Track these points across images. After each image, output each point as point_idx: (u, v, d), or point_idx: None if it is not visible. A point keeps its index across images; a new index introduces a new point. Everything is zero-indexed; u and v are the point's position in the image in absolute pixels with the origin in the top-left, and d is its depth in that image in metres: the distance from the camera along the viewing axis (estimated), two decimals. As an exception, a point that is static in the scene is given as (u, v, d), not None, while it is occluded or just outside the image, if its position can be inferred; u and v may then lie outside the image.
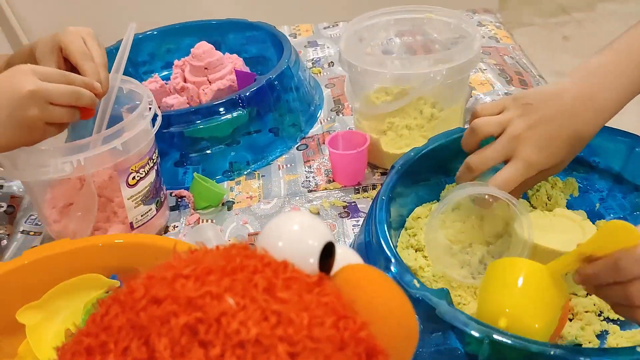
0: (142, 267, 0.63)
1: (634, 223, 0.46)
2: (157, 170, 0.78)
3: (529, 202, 0.76)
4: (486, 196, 0.69)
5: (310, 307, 0.28)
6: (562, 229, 0.65)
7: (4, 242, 0.97)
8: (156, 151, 0.78)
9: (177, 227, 0.83)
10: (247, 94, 0.91)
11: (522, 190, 0.66)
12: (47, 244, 0.66)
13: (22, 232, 0.90)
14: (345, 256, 0.35)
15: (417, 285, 0.54)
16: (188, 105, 1.04)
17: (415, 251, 0.70)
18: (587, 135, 0.60)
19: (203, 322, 0.25)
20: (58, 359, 0.28)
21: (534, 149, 0.59)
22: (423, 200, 0.77)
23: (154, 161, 0.77)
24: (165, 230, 0.83)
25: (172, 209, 0.86)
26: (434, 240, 0.67)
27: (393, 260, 0.58)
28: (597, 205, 0.73)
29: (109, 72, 0.73)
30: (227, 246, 0.32)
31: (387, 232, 0.62)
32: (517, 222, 0.65)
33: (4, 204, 1.02)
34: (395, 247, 0.72)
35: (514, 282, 0.53)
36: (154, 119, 0.76)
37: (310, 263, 0.31)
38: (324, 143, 0.96)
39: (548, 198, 0.75)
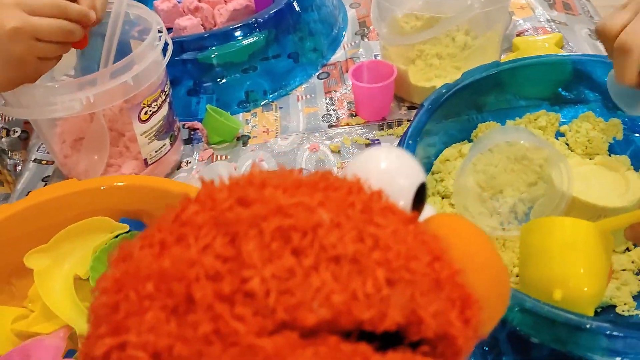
0: (151, 210, 0.60)
1: None
2: (169, 103, 0.74)
3: (567, 145, 0.70)
4: (522, 141, 0.64)
5: (407, 240, 0.25)
6: (604, 181, 0.60)
7: (19, 167, 0.95)
8: (168, 82, 0.73)
9: (190, 162, 0.79)
10: (265, 18, 0.85)
11: None
12: (53, 184, 0.63)
13: (35, 160, 0.88)
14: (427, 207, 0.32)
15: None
16: (202, 27, 0.98)
17: (442, 198, 0.65)
18: None
19: (297, 230, 0.22)
20: (118, 253, 0.24)
21: None
22: (452, 139, 0.72)
23: (166, 93, 0.72)
24: (178, 166, 0.79)
25: (185, 142, 0.82)
26: (463, 186, 0.63)
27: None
28: (643, 150, 0.67)
29: None
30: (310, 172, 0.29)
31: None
32: (554, 171, 0.60)
33: (18, 129, 0.99)
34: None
35: (567, 248, 0.47)
36: (164, 49, 0.70)
37: (400, 206, 0.28)
38: (346, 72, 0.89)
39: (588, 141, 0.69)
